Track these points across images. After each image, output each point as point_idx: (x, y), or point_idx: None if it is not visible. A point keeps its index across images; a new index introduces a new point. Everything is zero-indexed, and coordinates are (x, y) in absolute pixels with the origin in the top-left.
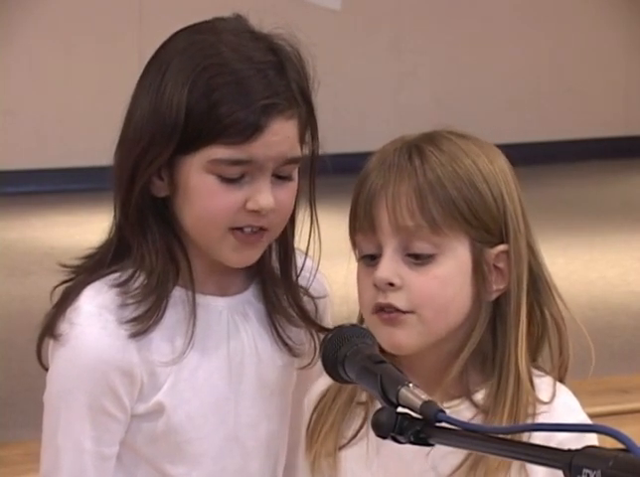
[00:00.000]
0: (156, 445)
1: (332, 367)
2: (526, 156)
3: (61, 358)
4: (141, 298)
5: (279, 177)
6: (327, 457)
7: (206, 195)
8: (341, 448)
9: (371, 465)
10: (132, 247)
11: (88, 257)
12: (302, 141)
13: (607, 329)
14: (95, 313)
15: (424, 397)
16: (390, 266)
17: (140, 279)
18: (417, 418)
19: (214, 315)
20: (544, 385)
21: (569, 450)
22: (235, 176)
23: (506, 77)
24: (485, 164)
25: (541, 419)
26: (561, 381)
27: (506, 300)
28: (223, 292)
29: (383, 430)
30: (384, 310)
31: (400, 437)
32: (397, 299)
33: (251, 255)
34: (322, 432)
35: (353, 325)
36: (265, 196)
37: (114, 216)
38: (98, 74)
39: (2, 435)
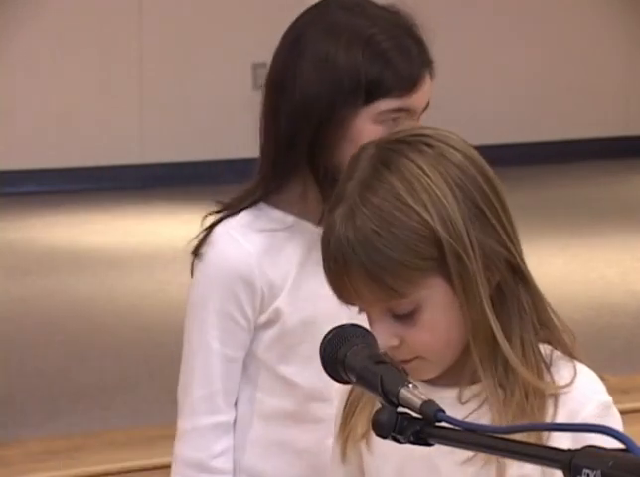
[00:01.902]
0: (273, 349)
1: (332, 366)
2: (525, 156)
3: (199, 272)
4: (281, 230)
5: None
6: (360, 440)
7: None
8: (367, 432)
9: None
10: (281, 187)
11: (237, 198)
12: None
13: (607, 329)
14: (225, 233)
15: (424, 397)
16: (384, 332)
17: (281, 214)
18: (418, 418)
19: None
20: (563, 365)
21: (570, 450)
22: (398, 118)
23: (506, 77)
24: (428, 187)
25: (562, 400)
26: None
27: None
28: (320, 222)
29: (383, 430)
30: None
31: (400, 437)
32: (401, 354)
33: None
34: (354, 417)
35: (353, 325)
36: None
37: (266, 164)
38: (98, 74)
39: (2, 435)
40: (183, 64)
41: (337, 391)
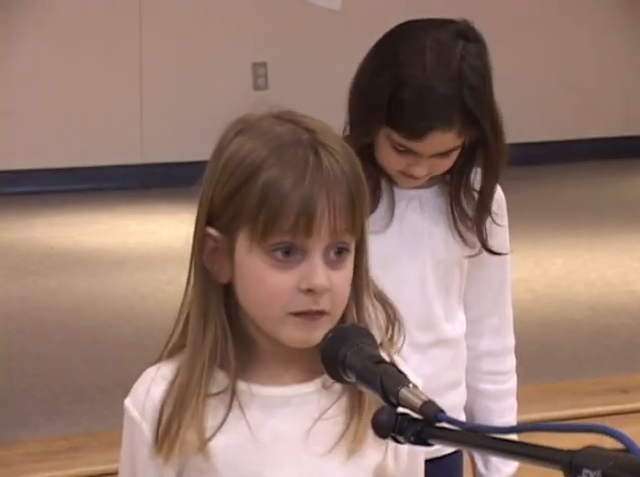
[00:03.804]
0: None
1: (332, 367)
2: (526, 156)
3: None
4: None
5: (442, 154)
6: (196, 454)
7: (384, 155)
8: (210, 439)
9: (251, 449)
10: None
11: None
12: (461, 136)
13: (607, 329)
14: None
15: (424, 397)
16: (324, 271)
17: None
18: (417, 419)
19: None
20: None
21: (570, 450)
22: (404, 150)
23: (506, 77)
24: None
25: None
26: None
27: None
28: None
29: (383, 430)
30: (306, 313)
31: (400, 437)
32: (325, 303)
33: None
34: (181, 429)
35: (353, 325)
36: (419, 169)
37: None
38: (99, 74)
39: (2, 436)
40: (183, 64)
41: (140, 409)
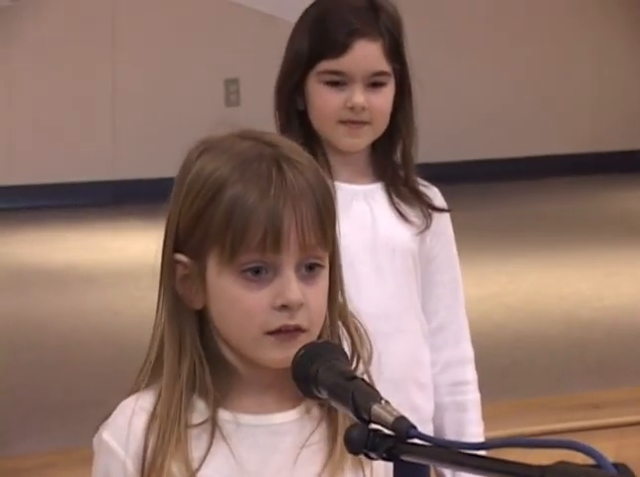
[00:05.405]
0: None
1: (304, 383)
2: (498, 172)
3: None
4: None
5: (374, 84)
6: None
7: (318, 99)
8: (198, 469)
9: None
10: None
11: None
12: (390, 61)
13: (580, 344)
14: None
15: (397, 413)
16: (297, 286)
17: None
18: (390, 435)
19: (348, 196)
20: None
21: (541, 466)
22: (336, 80)
23: (477, 94)
24: None
25: None
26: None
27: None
28: (356, 182)
29: (354, 446)
30: (283, 330)
31: (372, 454)
32: (301, 319)
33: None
34: (165, 461)
35: (325, 342)
36: (358, 95)
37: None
38: (71, 91)
39: None
40: (155, 80)
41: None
